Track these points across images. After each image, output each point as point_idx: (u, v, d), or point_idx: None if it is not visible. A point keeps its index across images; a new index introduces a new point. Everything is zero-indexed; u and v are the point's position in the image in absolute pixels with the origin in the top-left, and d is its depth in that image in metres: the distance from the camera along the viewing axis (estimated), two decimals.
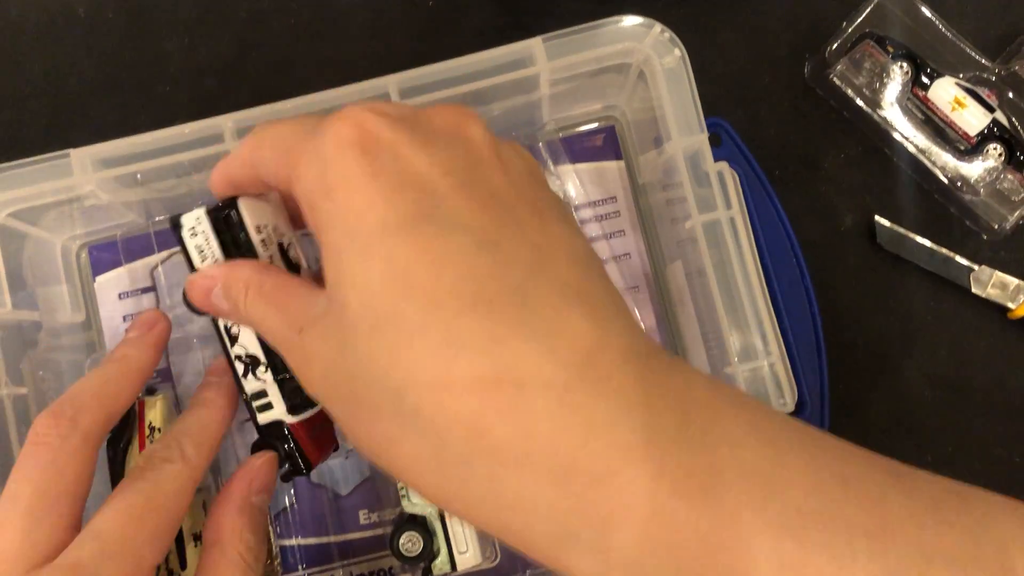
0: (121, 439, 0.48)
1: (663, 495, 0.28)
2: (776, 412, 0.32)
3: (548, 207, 0.34)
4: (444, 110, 0.35)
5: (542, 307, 0.30)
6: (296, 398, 0.42)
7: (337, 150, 0.32)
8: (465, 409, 0.29)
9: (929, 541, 0.28)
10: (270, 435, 0.43)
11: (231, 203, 0.39)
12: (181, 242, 0.40)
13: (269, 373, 0.42)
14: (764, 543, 0.28)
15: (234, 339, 0.42)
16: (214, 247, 0.39)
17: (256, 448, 0.43)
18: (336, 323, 0.32)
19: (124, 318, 0.53)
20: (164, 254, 0.53)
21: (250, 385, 0.42)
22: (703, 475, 0.28)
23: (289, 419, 0.42)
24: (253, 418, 0.43)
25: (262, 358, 0.41)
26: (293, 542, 0.51)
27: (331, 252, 0.32)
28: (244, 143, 0.38)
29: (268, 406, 0.42)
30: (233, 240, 0.39)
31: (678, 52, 0.46)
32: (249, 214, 0.39)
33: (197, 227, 0.39)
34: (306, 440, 0.43)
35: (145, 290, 0.53)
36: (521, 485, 0.29)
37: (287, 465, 0.43)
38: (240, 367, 0.42)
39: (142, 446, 0.47)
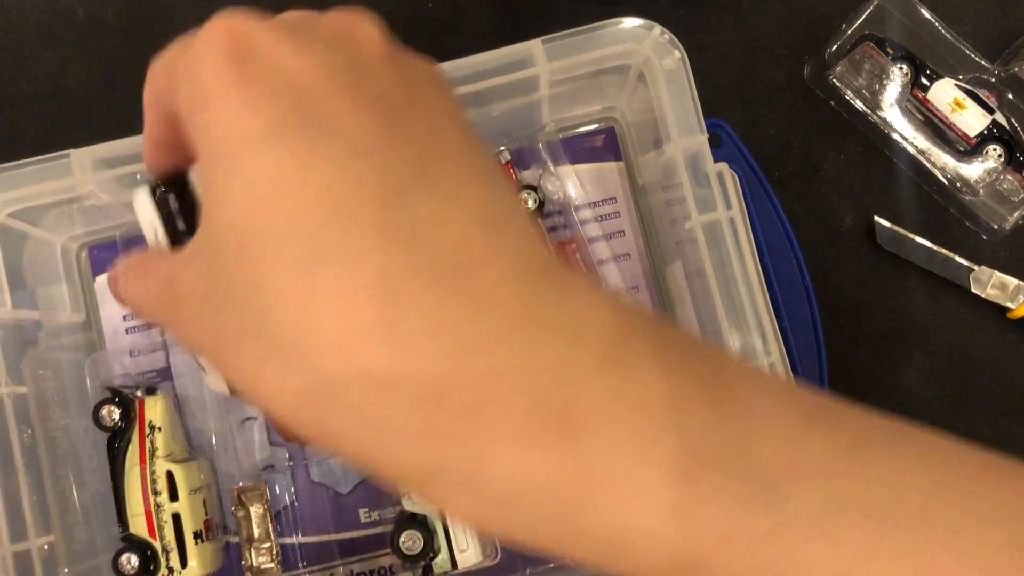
0: (121, 438, 0.48)
1: (535, 427, 0.26)
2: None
3: (444, 113, 0.31)
4: (337, 12, 0.32)
5: (420, 217, 0.27)
6: None
7: (208, 59, 0.29)
8: (330, 327, 0.26)
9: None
10: None
11: (175, 180, 0.35)
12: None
13: None
14: (647, 480, 0.26)
15: None
16: (161, 236, 0.35)
17: None
18: (205, 254, 0.30)
19: (124, 317, 0.53)
20: None
21: None
22: (585, 409, 0.26)
23: None
24: None
25: None
26: (294, 540, 0.51)
27: (202, 172, 0.30)
28: (145, 87, 0.34)
29: None
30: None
31: (678, 54, 0.46)
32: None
33: (142, 212, 0.35)
34: None
35: None
36: (391, 410, 0.26)
37: None
38: None
39: (142, 445, 0.48)
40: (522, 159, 0.53)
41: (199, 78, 0.29)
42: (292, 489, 0.52)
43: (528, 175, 0.52)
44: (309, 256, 0.26)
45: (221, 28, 0.29)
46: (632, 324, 0.28)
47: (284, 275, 0.27)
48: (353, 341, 0.26)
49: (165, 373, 0.52)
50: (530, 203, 0.50)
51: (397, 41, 0.32)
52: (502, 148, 0.52)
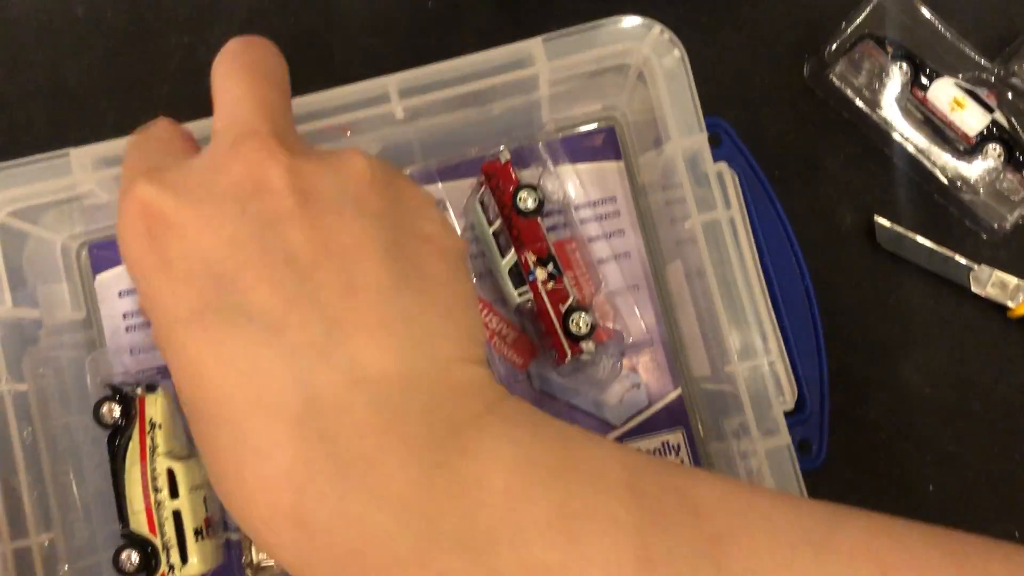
0: (121, 435, 0.48)
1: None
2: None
3: (365, 254, 0.31)
4: (237, 159, 0.32)
5: (327, 403, 0.28)
6: None
7: (129, 235, 0.32)
8: (255, 511, 0.29)
9: None
10: None
11: None
12: None
13: None
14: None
15: None
16: None
17: None
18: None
19: (124, 315, 0.53)
20: None
21: None
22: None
23: None
24: None
25: None
26: None
27: (156, 326, 0.32)
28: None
29: None
30: None
31: (678, 53, 0.46)
32: None
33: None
34: None
35: None
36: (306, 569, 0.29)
37: None
38: None
39: (142, 442, 0.48)
40: (522, 158, 0.53)
41: (126, 249, 0.32)
42: None
43: (528, 174, 0.52)
44: (237, 444, 0.29)
45: (135, 200, 0.31)
46: (525, 489, 0.29)
47: (220, 452, 0.30)
48: (274, 525, 0.28)
49: (165, 371, 0.52)
50: (530, 203, 0.50)
51: (298, 161, 0.32)
52: (502, 147, 0.52)
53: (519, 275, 0.50)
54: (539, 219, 0.50)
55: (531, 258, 0.49)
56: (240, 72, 0.36)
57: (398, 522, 0.27)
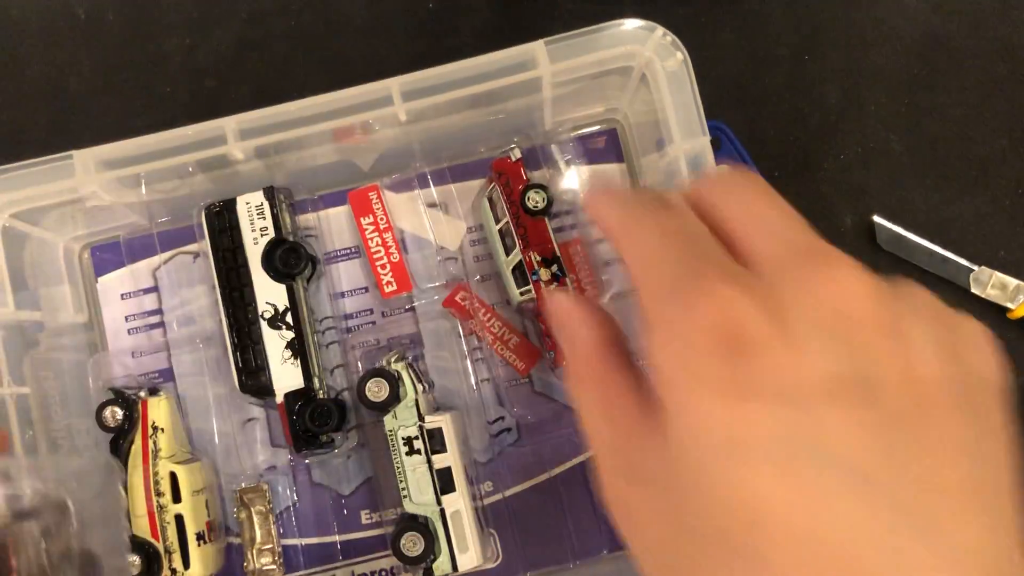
0: (124, 438, 0.48)
1: None
2: None
3: (957, 409, 0.27)
4: (827, 276, 0.28)
5: (909, 563, 0.24)
6: None
7: (697, 340, 0.27)
8: None
9: None
10: None
11: None
12: None
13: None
14: None
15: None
16: None
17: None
18: (679, 504, 0.28)
19: (126, 318, 0.53)
20: (166, 255, 0.53)
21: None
22: None
23: None
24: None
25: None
26: (295, 541, 0.52)
27: (686, 445, 0.28)
28: (633, 232, 0.32)
29: None
30: None
31: (680, 55, 0.46)
32: None
33: None
34: None
35: (147, 291, 0.53)
36: None
37: None
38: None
39: (145, 446, 0.48)
40: (531, 159, 0.53)
41: (685, 355, 0.27)
42: (294, 490, 0.52)
43: (538, 175, 0.52)
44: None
45: (714, 304, 0.27)
46: None
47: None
48: None
49: (167, 374, 0.52)
50: (539, 202, 0.50)
51: (891, 294, 0.28)
52: (513, 146, 0.52)
53: (523, 274, 0.50)
54: (546, 219, 0.50)
55: (536, 258, 0.49)
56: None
57: None
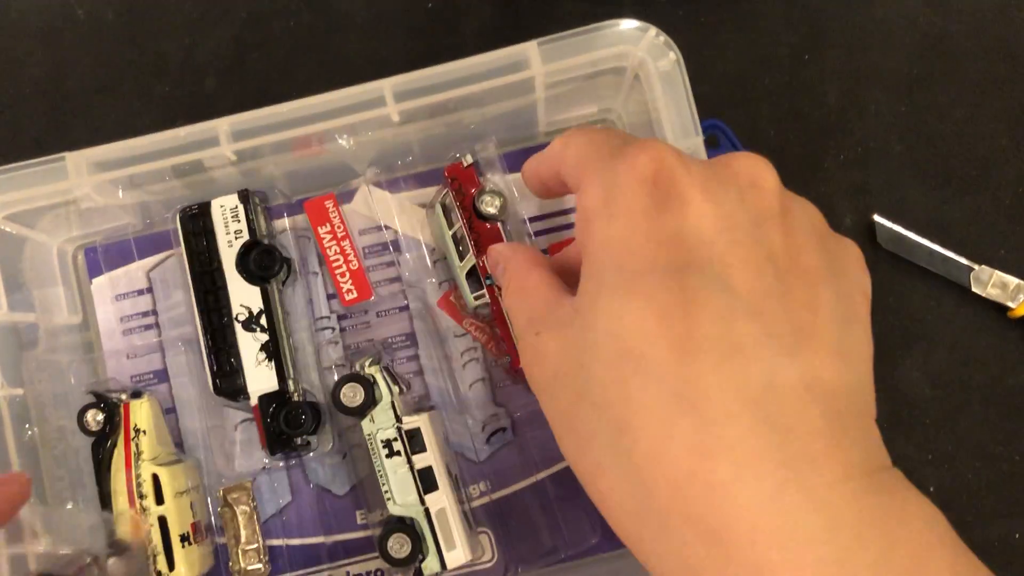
0: (106, 441, 0.48)
1: None
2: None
3: (822, 279, 0.32)
4: (742, 157, 0.34)
5: (783, 395, 0.29)
6: None
7: (630, 179, 0.32)
8: (673, 472, 0.28)
9: None
10: None
11: None
12: None
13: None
14: None
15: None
16: None
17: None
18: (578, 339, 0.32)
19: (121, 319, 0.53)
20: (160, 256, 0.53)
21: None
22: None
23: None
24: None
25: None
26: (288, 542, 0.51)
27: (594, 275, 0.32)
28: (555, 141, 0.39)
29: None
30: None
31: (673, 56, 0.46)
32: None
33: None
34: None
35: (141, 292, 0.53)
36: (709, 558, 0.28)
37: None
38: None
39: (127, 448, 0.48)
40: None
41: (616, 190, 0.33)
42: (287, 491, 0.52)
43: (495, 180, 0.52)
44: (676, 402, 0.29)
45: (650, 154, 0.32)
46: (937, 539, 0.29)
47: (648, 407, 0.29)
48: (691, 490, 0.28)
49: (161, 375, 0.52)
50: (491, 207, 0.49)
51: (785, 189, 0.34)
52: (474, 150, 0.51)
53: (477, 279, 0.50)
54: (500, 224, 0.49)
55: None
56: None
57: (828, 529, 0.27)
